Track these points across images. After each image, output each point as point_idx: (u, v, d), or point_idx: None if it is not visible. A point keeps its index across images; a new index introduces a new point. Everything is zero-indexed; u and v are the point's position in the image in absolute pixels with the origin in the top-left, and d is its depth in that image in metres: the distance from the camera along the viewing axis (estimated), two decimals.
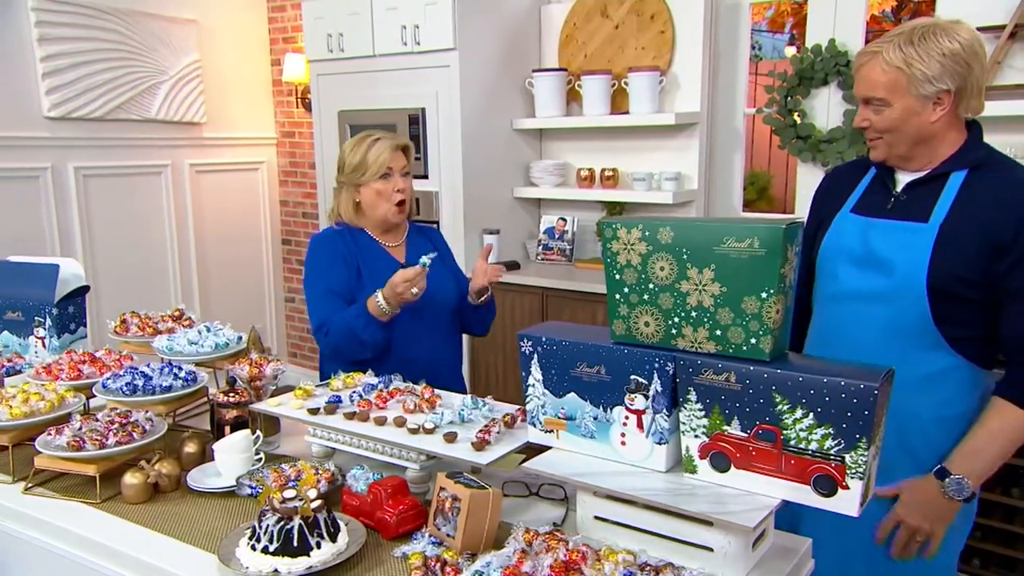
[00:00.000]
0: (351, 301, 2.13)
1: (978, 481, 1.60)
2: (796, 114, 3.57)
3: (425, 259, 2.02)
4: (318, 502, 1.36)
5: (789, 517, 1.51)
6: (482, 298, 2.26)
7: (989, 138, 2.87)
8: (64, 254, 4.05)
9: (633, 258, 1.38)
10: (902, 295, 1.61)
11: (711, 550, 1.30)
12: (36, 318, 2.28)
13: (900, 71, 1.56)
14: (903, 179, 1.70)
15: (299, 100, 4.95)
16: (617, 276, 1.40)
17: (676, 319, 1.35)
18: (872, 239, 1.67)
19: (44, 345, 2.28)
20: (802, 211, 3.05)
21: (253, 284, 5.20)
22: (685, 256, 1.32)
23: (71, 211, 4.14)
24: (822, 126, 3.51)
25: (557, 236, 4.14)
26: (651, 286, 1.36)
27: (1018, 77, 2.88)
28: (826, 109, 3.51)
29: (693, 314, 1.33)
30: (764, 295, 1.26)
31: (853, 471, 1.20)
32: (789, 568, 1.34)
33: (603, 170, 3.94)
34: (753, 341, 1.28)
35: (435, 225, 3.85)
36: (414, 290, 2.01)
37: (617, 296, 1.41)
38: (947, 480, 1.59)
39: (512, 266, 3.96)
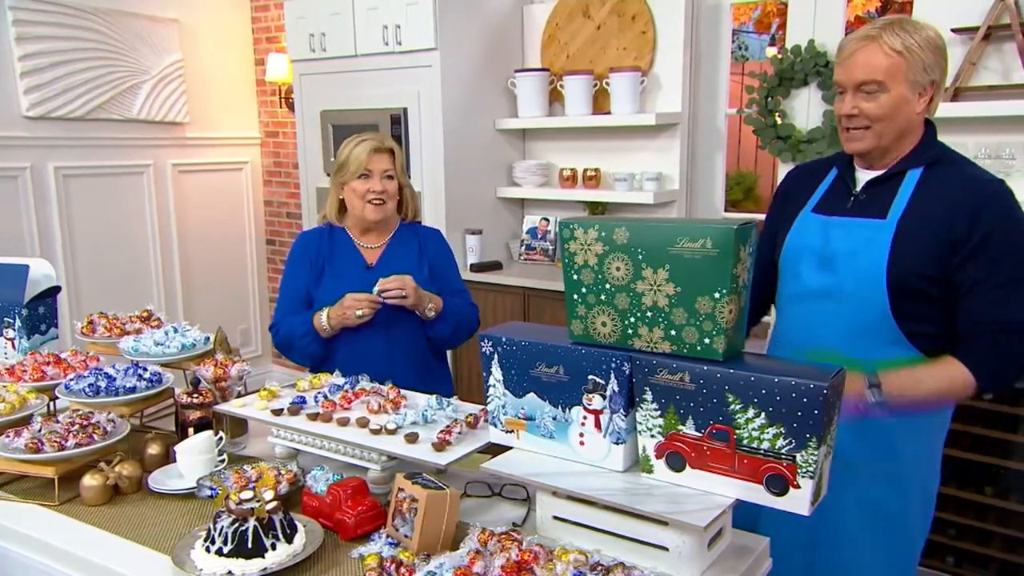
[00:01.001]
0: (308, 302, 2.20)
1: (895, 404, 1.57)
2: (776, 114, 3.57)
3: (377, 288, 2.05)
4: (273, 503, 1.36)
5: (749, 515, 1.51)
6: (425, 313, 2.18)
7: (965, 139, 2.89)
8: (44, 255, 4.03)
9: (590, 258, 1.38)
10: (862, 292, 1.62)
11: (667, 549, 1.30)
12: (5, 319, 2.27)
13: (901, 56, 1.56)
14: (863, 178, 1.71)
15: (283, 100, 4.93)
16: (575, 276, 1.40)
17: (632, 319, 1.35)
18: (832, 238, 1.68)
19: (14, 346, 2.26)
20: None
21: (237, 285, 5.18)
22: (640, 256, 1.32)
23: (51, 211, 4.12)
24: (802, 126, 3.52)
25: (540, 236, 4.14)
26: (608, 286, 1.36)
27: (992, 78, 2.89)
28: (806, 109, 3.52)
29: (648, 314, 1.33)
30: (717, 295, 1.26)
31: (804, 470, 1.20)
32: (745, 567, 1.34)
33: (585, 170, 3.94)
34: (707, 341, 1.28)
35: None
36: (358, 312, 2.05)
37: (575, 296, 1.41)
38: (874, 391, 1.55)
39: (492, 267, 3.96)
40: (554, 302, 3.65)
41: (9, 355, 2.24)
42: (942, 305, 1.60)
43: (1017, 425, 2.62)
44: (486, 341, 1.48)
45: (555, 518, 1.42)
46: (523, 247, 4.18)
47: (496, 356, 1.48)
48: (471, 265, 3.91)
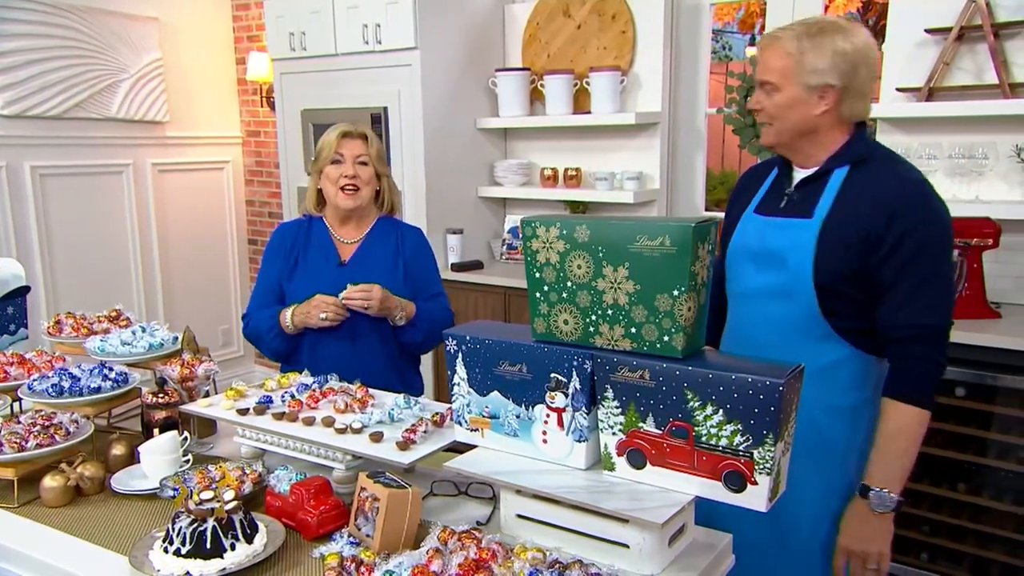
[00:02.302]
0: (281, 295, 2.21)
1: (898, 486, 1.62)
2: (755, 114, 3.58)
3: (344, 294, 2.05)
4: (233, 503, 1.35)
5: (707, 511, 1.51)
6: (394, 320, 2.17)
7: (939, 138, 2.90)
8: (21, 255, 4.00)
9: (552, 256, 1.37)
10: (794, 290, 1.66)
11: (628, 547, 1.30)
12: None
13: (792, 59, 1.63)
14: (797, 177, 1.74)
15: (264, 99, 4.91)
16: (537, 274, 1.40)
17: (593, 317, 1.35)
18: (767, 237, 1.72)
19: None
20: None
21: (218, 285, 5.15)
22: (601, 254, 1.32)
23: (28, 211, 4.09)
24: None
25: (521, 236, 4.13)
26: (569, 284, 1.36)
27: (964, 78, 2.91)
28: None
29: (609, 312, 1.33)
30: (676, 293, 1.26)
31: (761, 467, 1.20)
32: (706, 564, 1.34)
33: (566, 170, 3.94)
34: (666, 339, 1.28)
35: None
36: (322, 315, 2.05)
37: (537, 295, 1.41)
38: (871, 495, 1.61)
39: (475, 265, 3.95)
40: None
41: None
42: (868, 303, 1.63)
43: (990, 422, 2.63)
44: (451, 340, 1.48)
45: (519, 516, 1.42)
46: (504, 246, 4.17)
47: (460, 354, 1.47)
48: (452, 264, 3.91)
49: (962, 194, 2.93)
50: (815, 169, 1.69)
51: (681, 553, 1.36)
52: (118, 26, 4.39)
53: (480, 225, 4.20)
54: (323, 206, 2.27)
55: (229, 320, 5.22)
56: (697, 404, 1.24)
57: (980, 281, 2.76)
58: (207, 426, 1.91)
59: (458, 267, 3.90)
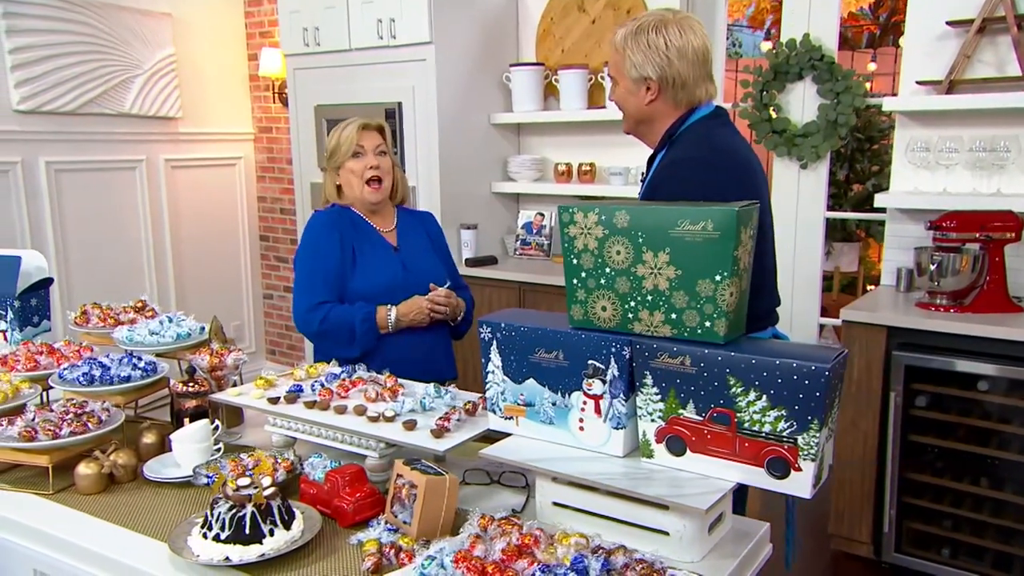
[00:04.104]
0: (340, 287, 2.15)
1: None
2: (771, 108, 3.58)
3: (431, 296, 2.15)
4: (271, 489, 1.35)
5: None
6: (455, 320, 2.28)
7: (960, 132, 2.89)
8: (36, 249, 3.99)
9: (590, 242, 1.37)
10: None
11: (667, 534, 1.30)
12: None
13: (620, 54, 1.80)
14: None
15: (276, 95, 4.91)
16: (575, 261, 1.40)
17: (632, 303, 1.34)
18: None
19: (6, 338, 2.24)
20: (778, 204, 3.06)
21: (231, 281, 5.16)
22: (641, 240, 1.31)
23: (43, 206, 4.09)
24: (797, 120, 3.53)
25: (535, 231, 4.13)
26: (608, 270, 1.36)
27: (986, 71, 2.90)
28: (801, 103, 3.53)
29: (649, 298, 1.32)
30: (718, 278, 1.25)
31: (806, 453, 1.20)
32: (745, 551, 1.33)
33: (580, 165, 3.94)
34: (708, 324, 1.27)
35: None
36: (438, 314, 2.14)
37: (575, 281, 1.40)
38: None
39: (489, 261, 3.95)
40: (550, 296, 3.64)
41: (1, 347, 2.22)
42: None
43: (1012, 416, 2.62)
44: (485, 327, 1.47)
45: (555, 504, 1.41)
46: (518, 242, 4.17)
47: (495, 342, 1.47)
48: (466, 260, 3.90)
49: (983, 188, 2.92)
50: (652, 152, 1.89)
51: (720, 541, 1.35)
52: (132, 21, 4.40)
53: (494, 220, 4.19)
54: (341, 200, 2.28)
55: (240, 316, 5.22)
56: (740, 390, 1.24)
57: (1002, 274, 2.75)
58: (234, 415, 1.90)
59: (472, 262, 3.90)
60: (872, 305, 2.92)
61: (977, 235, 2.73)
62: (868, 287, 6.09)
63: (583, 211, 1.37)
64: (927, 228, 2.83)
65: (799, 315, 3.64)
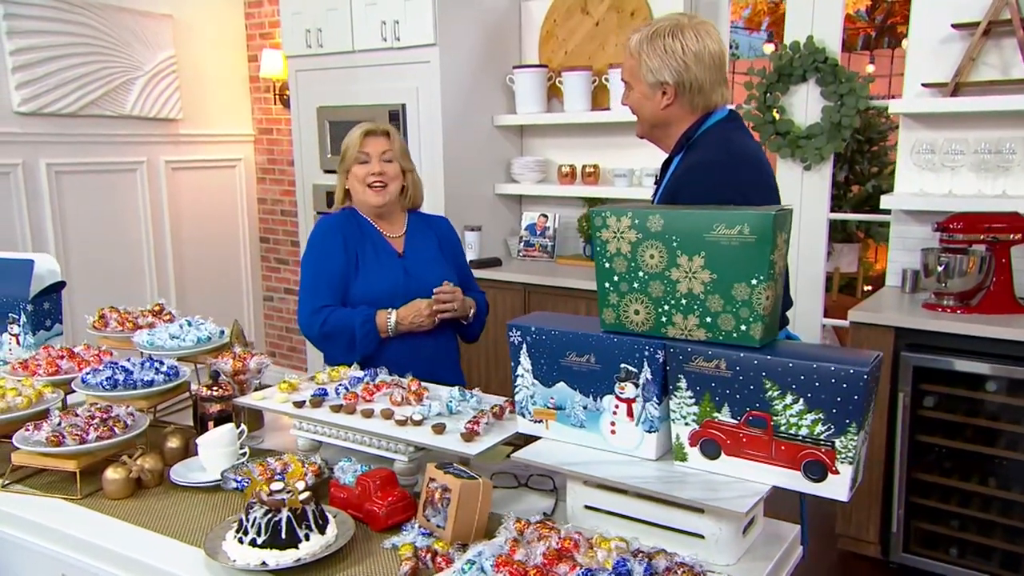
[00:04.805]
0: (344, 291, 2.14)
1: None
2: (775, 110, 3.60)
3: (437, 291, 2.13)
4: (306, 494, 1.35)
5: None
6: (467, 319, 2.26)
7: (965, 134, 2.91)
8: (36, 251, 3.95)
9: (623, 246, 1.37)
10: None
11: (702, 537, 1.30)
12: (10, 315, 2.24)
13: (635, 59, 1.81)
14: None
15: (277, 96, 4.90)
16: (607, 265, 1.40)
17: (666, 307, 1.35)
18: None
19: (19, 342, 2.23)
20: None
21: (231, 282, 5.14)
22: (675, 243, 1.32)
23: (43, 208, 4.06)
24: (800, 122, 3.55)
25: (539, 232, 4.14)
26: (641, 274, 1.36)
27: (991, 73, 2.93)
28: (804, 105, 3.55)
29: (683, 302, 1.33)
30: (754, 281, 1.26)
31: (843, 456, 1.21)
32: (779, 554, 1.34)
33: (584, 166, 3.95)
34: (743, 328, 1.28)
35: None
36: (441, 315, 2.12)
37: (607, 285, 1.41)
38: None
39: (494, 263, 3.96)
40: (555, 298, 3.65)
41: (15, 351, 2.21)
42: None
43: (1020, 416, 2.65)
44: (515, 331, 1.48)
45: (586, 507, 1.42)
46: (521, 243, 4.18)
47: (525, 346, 1.47)
48: (471, 262, 3.88)
49: (988, 189, 2.95)
50: (668, 156, 1.89)
51: (753, 543, 1.36)
52: (132, 23, 4.37)
53: (496, 222, 4.20)
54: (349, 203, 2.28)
55: (241, 317, 5.19)
56: (776, 394, 1.24)
57: (1008, 276, 2.77)
58: (255, 419, 1.90)
59: (477, 264, 3.89)
60: (878, 306, 2.94)
61: (983, 236, 2.75)
62: (866, 287, 6.13)
63: (616, 215, 1.37)
64: (934, 230, 2.85)
65: (802, 316, 3.66)
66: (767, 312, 1.28)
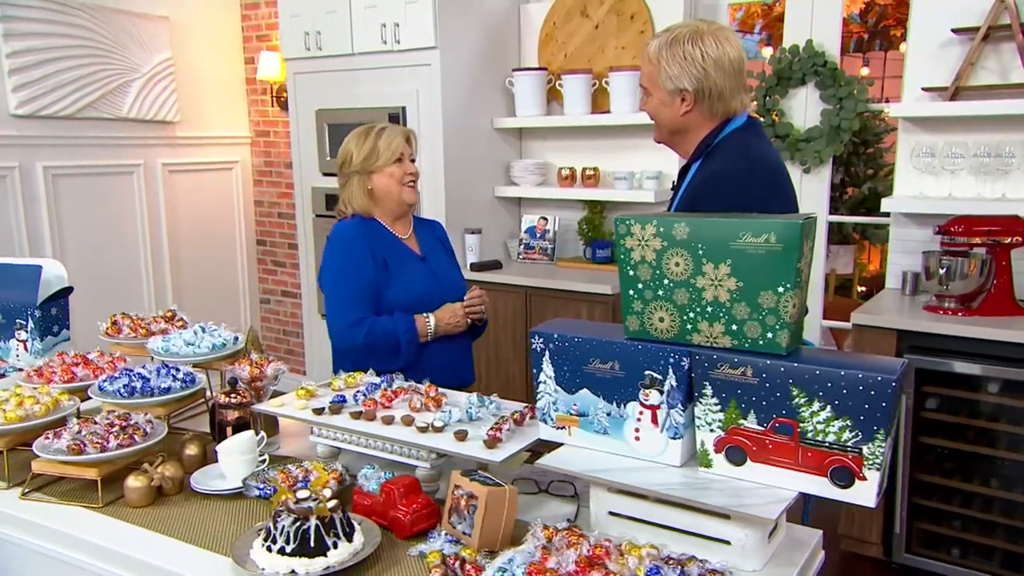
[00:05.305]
0: (377, 299, 2.15)
1: None
2: (774, 113, 3.62)
3: (469, 296, 2.22)
4: (334, 502, 1.35)
5: None
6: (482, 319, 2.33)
7: (965, 138, 2.94)
8: (33, 255, 3.94)
9: (648, 254, 1.38)
10: None
11: (728, 543, 1.31)
12: (18, 320, 2.22)
13: (654, 66, 1.80)
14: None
15: (274, 99, 4.88)
16: (631, 272, 1.41)
17: (692, 314, 1.36)
18: None
19: (26, 348, 2.22)
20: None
21: (228, 285, 5.12)
22: (701, 251, 1.33)
23: (40, 211, 4.03)
24: (800, 125, 3.57)
25: (539, 235, 4.15)
26: (666, 282, 1.37)
27: (990, 78, 2.96)
28: (803, 109, 3.58)
29: (709, 309, 1.34)
30: (781, 289, 1.27)
31: (871, 462, 1.22)
32: (803, 559, 1.36)
33: (584, 169, 3.96)
34: (770, 335, 1.29)
35: None
36: (475, 317, 2.21)
37: (631, 292, 1.41)
38: None
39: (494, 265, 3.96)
40: (555, 300, 3.66)
41: (23, 357, 2.20)
42: None
43: (1021, 418, 2.68)
44: (537, 338, 1.48)
45: (610, 514, 1.43)
46: (521, 246, 4.18)
47: (548, 353, 1.48)
48: (471, 264, 3.91)
49: (988, 193, 2.98)
50: (686, 162, 1.89)
51: (777, 549, 1.38)
52: (129, 25, 4.35)
53: (496, 225, 4.20)
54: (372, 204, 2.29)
55: (238, 321, 5.17)
56: (803, 401, 1.26)
57: (1008, 278, 2.81)
58: (270, 426, 1.90)
59: (477, 267, 3.90)
60: (880, 308, 2.97)
61: (984, 239, 2.78)
62: (860, 288, 6.18)
63: (640, 223, 1.38)
64: (935, 232, 2.88)
65: None
66: (793, 320, 1.29)
